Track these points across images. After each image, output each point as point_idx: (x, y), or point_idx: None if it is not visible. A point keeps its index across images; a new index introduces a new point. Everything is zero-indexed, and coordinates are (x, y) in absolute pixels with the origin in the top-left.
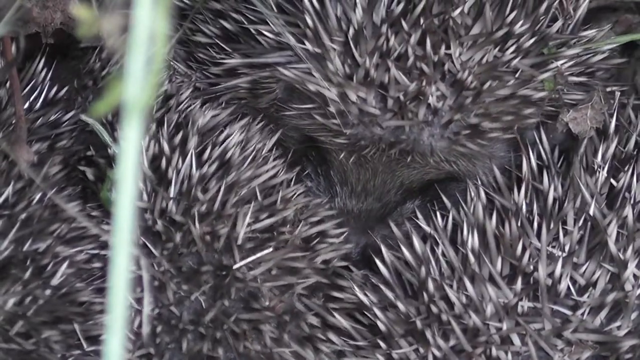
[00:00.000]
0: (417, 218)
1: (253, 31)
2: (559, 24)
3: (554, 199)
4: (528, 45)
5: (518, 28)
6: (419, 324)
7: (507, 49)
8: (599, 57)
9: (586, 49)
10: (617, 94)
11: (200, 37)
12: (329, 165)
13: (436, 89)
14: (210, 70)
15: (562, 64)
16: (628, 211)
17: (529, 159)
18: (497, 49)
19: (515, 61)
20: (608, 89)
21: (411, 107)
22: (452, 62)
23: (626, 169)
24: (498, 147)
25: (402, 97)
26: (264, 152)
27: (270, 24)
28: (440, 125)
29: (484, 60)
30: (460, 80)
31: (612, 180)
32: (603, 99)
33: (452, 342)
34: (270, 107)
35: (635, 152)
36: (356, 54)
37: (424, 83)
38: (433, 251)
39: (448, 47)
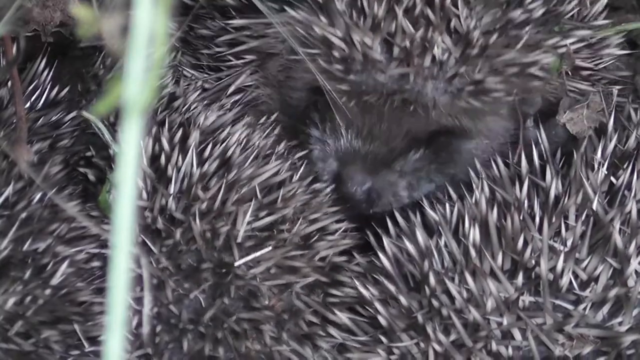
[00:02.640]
0: (423, 205)
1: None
2: (573, 5)
3: (555, 195)
4: (538, 16)
5: (530, 3)
6: (420, 318)
7: (517, 16)
8: (607, 50)
9: (595, 36)
10: (615, 92)
11: (205, 24)
12: (336, 111)
13: (442, 40)
14: (215, 41)
15: (571, 43)
16: (632, 207)
17: (532, 153)
18: (508, 12)
19: (525, 29)
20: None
21: (417, 55)
22: (459, 21)
23: (625, 166)
24: (502, 112)
25: (408, 45)
26: (266, 151)
27: None
28: (445, 79)
29: (492, 20)
30: (466, 36)
31: (612, 178)
32: (603, 99)
33: (453, 337)
34: (278, 74)
35: (634, 150)
36: (364, 3)
37: (430, 32)
38: (435, 243)
39: (456, 7)
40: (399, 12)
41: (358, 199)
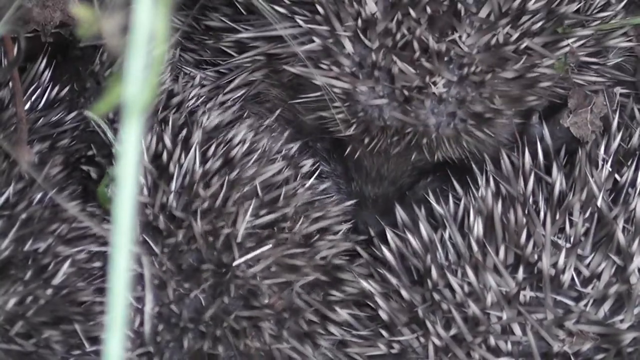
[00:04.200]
0: (429, 199)
1: (262, 4)
2: (576, 5)
3: (560, 191)
4: (541, 25)
5: (532, 5)
6: (420, 312)
7: (519, 27)
8: (611, 41)
9: (600, 31)
10: (618, 91)
11: (211, 17)
12: (342, 151)
13: (441, 78)
14: (221, 42)
15: (573, 42)
16: (636, 204)
17: (537, 149)
18: (508, 26)
19: (525, 43)
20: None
21: (417, 97)
22: (459, 46)
23: (629, 163)
24: (506, 132)
25: (406, 90)
26: (272, 153)
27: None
28: (447, 113)
29: (491, 43)
30: (465, 66)
31: (616, 175)
32: (607, 98)
33: (453, 331)
34: (290, 82)
35: (638, 148)
36: (366, 42)
37: (427, 78)
38: (440, 236)
39: (455, 31)
40: (396, 53)
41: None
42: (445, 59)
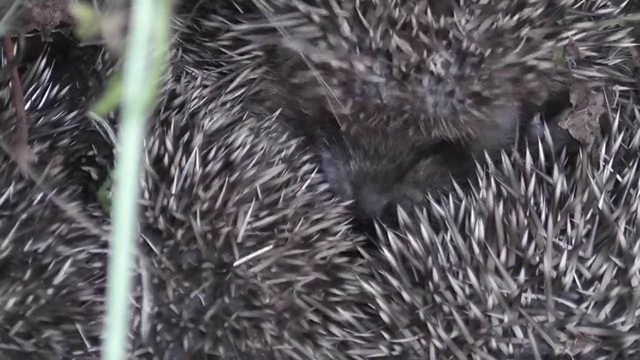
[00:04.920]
0: (429, 200)
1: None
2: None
3: (561, 192)
4: (540, 13)
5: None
6: (421, 314)
7: (518, 16)
8: (612, 37)
9: (599, 25)
10: (617, 90)
11: (211, 19)
12: (342, 131)
13: (440, 56)
14: (219, 40)
15: (573, 34)
16: (637, 206)
17: (538, 150)
18: (507, 16)
19: (525, 30)
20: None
21: (415, 76)
22: (458, 29)
23: (630, 164)
24: (504, 117)
25: (404, 68)
26: (271, 155)
27: None
28: (445, 93)
29: (491, 27)
30: (464, 47)
31: (618, 176)
32: (607, 98)
33: (455, 334)
34: (290, 75)
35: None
36: (365, 22)
37: (425, 54)
38: (441, 239)
39: (453, 18)
40: (395, 32)
41: (377, 218)
42: (444, 41)
